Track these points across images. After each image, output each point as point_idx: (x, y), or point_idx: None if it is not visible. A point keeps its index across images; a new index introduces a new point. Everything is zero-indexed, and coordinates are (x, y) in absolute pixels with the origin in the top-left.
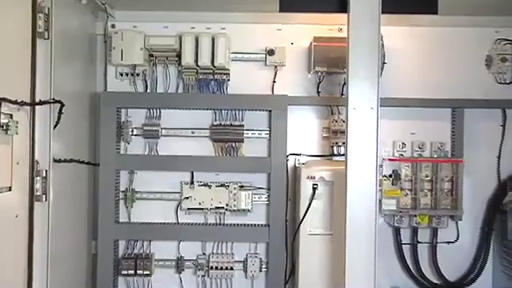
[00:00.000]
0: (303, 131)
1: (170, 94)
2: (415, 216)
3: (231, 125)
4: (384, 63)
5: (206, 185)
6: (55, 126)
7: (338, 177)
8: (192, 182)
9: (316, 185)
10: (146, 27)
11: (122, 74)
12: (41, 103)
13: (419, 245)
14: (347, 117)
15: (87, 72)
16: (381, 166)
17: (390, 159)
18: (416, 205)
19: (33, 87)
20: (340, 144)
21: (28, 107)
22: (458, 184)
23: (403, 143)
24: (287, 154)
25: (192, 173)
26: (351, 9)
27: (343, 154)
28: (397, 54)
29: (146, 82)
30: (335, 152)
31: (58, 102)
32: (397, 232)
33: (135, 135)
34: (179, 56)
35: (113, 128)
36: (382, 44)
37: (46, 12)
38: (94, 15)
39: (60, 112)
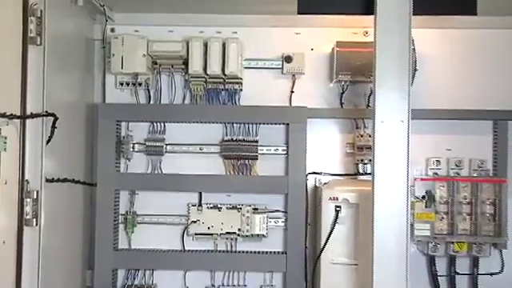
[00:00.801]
0: (324, 147)
1: (175, 106)
2: (452, 243)
3: (244, 140)
4: (415, 70)
5: (215, 207)
6: (48, 142)
7: (363, 198)
8: (200, 204)
9: (339, 207)
10: (149, 31)
11: (122, 84)
12: (32, 116)
13: (457, 276)
14: (374, 131)
15: (84, 81)
16: (412, 186)
17: (422, 179)
18: (453, 230)
19: (23, 99)
20: (366, 161)
21: (18, 121)
22: (502, 207)
23: (437, 160)
24: (307, 172)
25: (200, 194)
26: (378, 10)
27: (370, 173)
28: (429, 59)
29: (149, 93)
30: (360, 170)
31: (52, 115)
32: (431, 261)
33: (137, 151)
34: (186, 63)
35: (112, 143)
36: (414, 49)
37: (39, 15)
38: (91, 18)
39: (53, 126)
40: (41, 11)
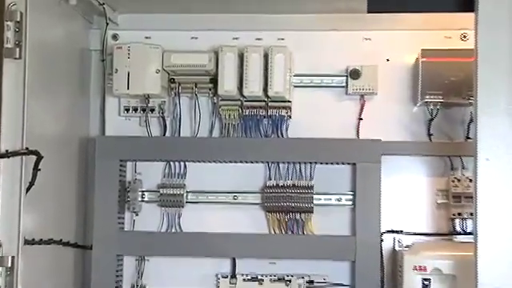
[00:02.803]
0: (406, 196)
1: (200, 140)
2: None
3: (294, 186)
4: None
5: (255, 279)
6: (28, 190)
7: (462, 268)
8: (234, 275)
9: (428, 280)
10: (165, 39)
11: (128, 110)
12: (8, 155)
13: None
14: (476, 173)
15: (77, 107)
16: None
17: None
18: None
19: None
20: (465, 216)
21: None
22: None
23: None
24: (382, 231)
25: (233, 260)
26: (481, 5)
27: (471, 233)
28: None
29: (165, 122)
30: (458, 229)
31: (34, 152)
32: None
33: (147, 202)
34: (215, 82)
35: (113, 191)
36: None
37: (18, 19)
38: (87, 22)
39: (36, 168)
40: (21, 14)
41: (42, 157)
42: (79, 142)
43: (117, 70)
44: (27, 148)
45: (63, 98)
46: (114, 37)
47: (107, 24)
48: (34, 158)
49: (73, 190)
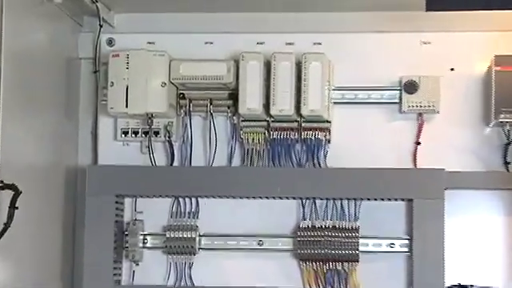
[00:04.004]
0: (477, 240)
1: (216, 170)
2: None
3: (335, 228)
4: None
5: None
6: (3, 233)
7: None
8: None
9: None
10: (173, 44)
11: (126, 133)
12: None
13: None
14: None
15: (63, 129)
16: None
17: None
18: None
19: None
20: None
21: None
22: None
23: None
24: (446, 285)
25: None
26: None
27: None
28: None
29: (172, 148)
30: None
31: (10, 187)
32: None
33: (150, 248)
34: (234, 97)
35: (108, 235)
36: None
37: None
38: (75, 23)
39: (13, 206)
40: None
41: (21, 192)
42: (66, 173)
43: (113, 83)
44: (2, 181)
45: (46, 118)
46: (110, 42)
47: (101, 26)
48: (10, 193)
49: (58, 233)
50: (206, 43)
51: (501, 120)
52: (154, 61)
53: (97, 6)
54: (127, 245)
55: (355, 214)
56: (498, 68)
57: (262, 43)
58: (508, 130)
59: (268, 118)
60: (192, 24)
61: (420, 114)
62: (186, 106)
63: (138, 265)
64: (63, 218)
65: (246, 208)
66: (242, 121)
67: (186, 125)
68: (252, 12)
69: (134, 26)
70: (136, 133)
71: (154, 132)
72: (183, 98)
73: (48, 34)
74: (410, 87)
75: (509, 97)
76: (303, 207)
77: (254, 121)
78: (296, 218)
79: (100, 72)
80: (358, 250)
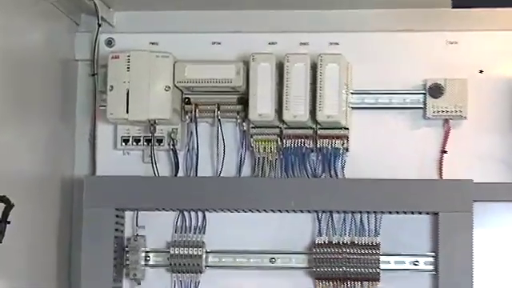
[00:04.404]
0: (509, 257)
1: (224, 181)
2: None
3: (353, 244)
4: None
5: None
6: None
7: None
8: None
9: None
10: (177, 44)
11: (126, 141)
12: None
13: None
14: None
15: (58, 137)
16: None
17: None
18: None
19: None
20: None
21: None
22: None
23: None
24: None
25: None
26: None
27: None
28: None
29: (177, 157)
30: None
31: (2, 199)
32: None
33: (153, 266)
34: (244, 102)
35: (107, 251)
36: None
37: None
38: (71, 22)
39: (5, 220)
40: None
41: (13, 205)
42: (61, 184)
43: (112, 87)
44: None
45: (40, 125)
46: (109, 42)
47: (99, 25)
48: (1, 206)
49: (53, 249)
50: (214, 43)
51: None
52: (157, 63)
53: (95, 4)
54: (128, 262)
55: (376, 229)
56: None
57: (274, 43)
58: None
59: (281, 125)
60: (198, 23)
61: (446, 120)
62: (191, 112)
63: (139, 284)
64: (58, 232)
65: (257, 222)
66: (253, 127)
67: (192, 132)
68: (263, 10)
69: (135, 25)
70: (137, 141)
71: (157, 140)
72: (189, 102)
73: (42, 33)
74: (435, 91)
75: None
76: (319, 221)
77: (266, 128)
78: (311, 233)
79: (98, 75)
80: (378, 268)
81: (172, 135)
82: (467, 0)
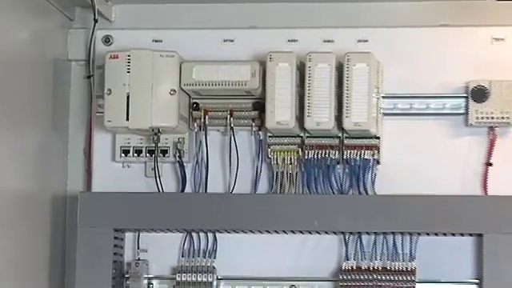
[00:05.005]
0: None
1: (237, 198)
2: None
3: (386, 270)
4: None
5: None
6: None
7: None
8: None
9: None
10: (184, 42)
11: (126, 152)
12: None
13: None
14: None
15: (48, 148)
16: None
17: None
18: None
19: None
20: None
21: None
22: None
23: None
24: None
25: None
26: None
27: None
28: None
29: (183, 171)
30: None
31: None
32: None
33: None
34: (260, 107)
35: (105, 277)
36: None
37: None
38: (64, 17)
39: None
40: None
41: None
42: (53, 201)
43: (110, 90)
44: None
45: (29, 134)
46: (107, 40)
47: (96, 21)
48: None
49: (44, 274)
50: (226, 41)
51: None
52: (162, 63)
53: None
54: None
55: (411, 253)
56: None
57: (294, 40)
58: None
59: (302, 134)
60: (208, 17)
61: (491, 128)
62: (200, 119)
63: None
64: (50, 256)
65: (275, 245)
66: (270, 137)
67: (201, 142)
68: (282, 2)
69: (136, 21)
70: (139, 152)
71: (162, 151)
72: (197, 108)
73: (31, 30)
74: (479, 94)
75: None
76: (346, 244)
77: (285, 137)
78: (337, 257)
79: (95, 77)
80: None
81: (178, 146)
82: None
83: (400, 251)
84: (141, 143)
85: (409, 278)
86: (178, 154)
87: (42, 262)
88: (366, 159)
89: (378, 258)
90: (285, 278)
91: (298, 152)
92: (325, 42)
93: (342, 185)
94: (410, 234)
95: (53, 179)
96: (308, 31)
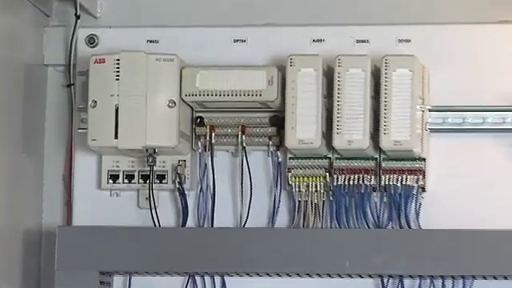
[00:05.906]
0: None
1: (251, 234)
2: None
3: None
4: None
5: None
6: None
7: None
8: None
9: None
10: (185, 43)
11: (115, 178)
12: None
13: None
14: None
15: (19, 173)
16: None
17: None
18: None
19: None
20: None
21: None
22: None
23: None
24: None
25: None
26: None
27: None
28: None
29: (185, 200)
30: None
31: None
32: None
33: None
34: (279, 123)
35: None
36: None
37: None
38: (40, 13)
39: None
40: None
41: None
42: (24, 238)
43: (95, 102)
44: None
45: None
46: (91, 40)
47: (78, 17)
48: None
49: None
50: (236, 41)
51: None
52: (158, 68)
53: None
54: None
55: None
56: None
57: (320, 41)
58: None
59: (330, 155)
60: (214, 13)
61: None
62: (205, 137)
63: None
64: None
65: None
66: (291, 158)
67: (206, 165)
68: None
69: (127, 17)
70: (130, 177)
71: (158, 176)
72: (202, 124)
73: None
74: None
75: None
76: None
77: (309, 158)
78: None
79: (76, 86)
80: None
81: (178, 169)
82: None
83: None
84: (132, 167)
85: None
86: (177, 180)
87: None
88: (409, 186)
89: None
90: None
91: (325, 177)
92: (357, 42)
93: (379, 217)
94: (463, 277)
95: (25, 211)
96: (337, 29)
